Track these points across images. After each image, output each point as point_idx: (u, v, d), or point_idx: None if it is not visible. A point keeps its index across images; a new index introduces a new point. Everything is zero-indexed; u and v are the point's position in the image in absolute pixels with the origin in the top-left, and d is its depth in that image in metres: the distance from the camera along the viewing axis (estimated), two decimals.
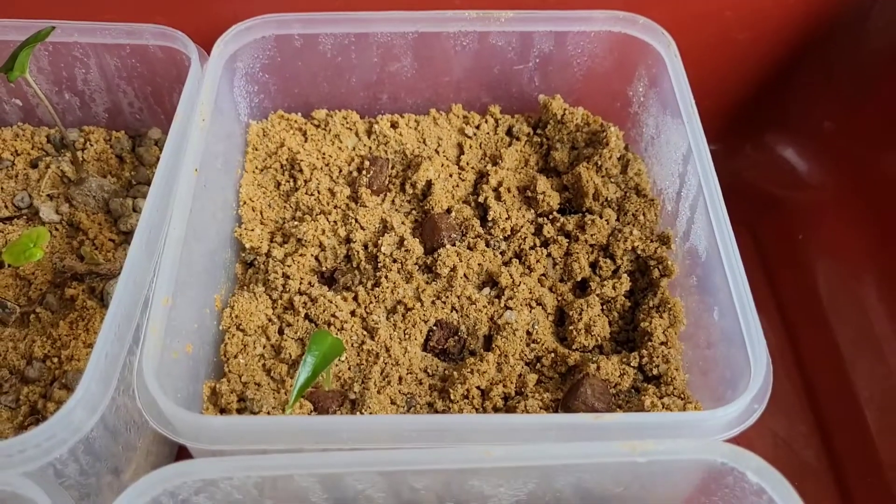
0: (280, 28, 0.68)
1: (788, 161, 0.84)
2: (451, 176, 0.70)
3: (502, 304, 0.61)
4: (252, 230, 0.66)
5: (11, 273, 0.64)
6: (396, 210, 0.68)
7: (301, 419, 0.51)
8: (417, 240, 0.64)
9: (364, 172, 0.68)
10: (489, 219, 0.66)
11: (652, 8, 0.69)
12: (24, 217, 0.69)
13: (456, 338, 0.60)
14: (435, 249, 0.64)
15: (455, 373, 0.58)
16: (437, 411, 0.56)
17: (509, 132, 0.74)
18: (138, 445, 0.57)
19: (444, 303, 0.61)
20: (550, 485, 0.48)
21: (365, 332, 0.60)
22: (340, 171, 0.70)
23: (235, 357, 0.58)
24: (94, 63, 0.72)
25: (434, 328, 0.60)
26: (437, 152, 0.71)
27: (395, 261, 0.63)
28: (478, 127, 0.74)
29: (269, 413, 0.54)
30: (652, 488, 0.50)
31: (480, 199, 0.68)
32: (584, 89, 0.74)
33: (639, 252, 0.63)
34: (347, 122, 0.74)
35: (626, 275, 0.63)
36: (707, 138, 0.61)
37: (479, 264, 0.63)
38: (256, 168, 0.70)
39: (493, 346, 0.59)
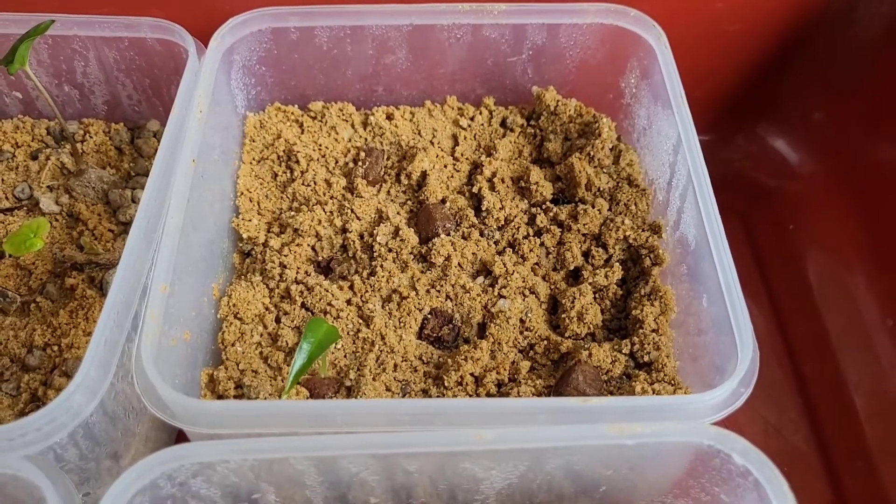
0: (276, 21, 0.69)
1: (779, 151, 0.85)
2: (445, 167, 0.71)
3: (496, 293, 0.62)
4: (249, 220, 0.67)
5: (12, 263, 0.65)
6: (392, 200, 0.69)
7: (297, 403, 0.52)
8: (412, 230, 0.65)
9: (360, 163, 0.69)
10: (483, 209, 0.67)
11: (643, 0, 0.69)
12: (25, 208, 0.70)
13: (450, 326, 0.61)
14: (430, 239, 0.64)
15: (449, 360, 0.59)
16: (431, 398, 0.57)
17: (503, 123, 0.75)
18: (137, 431, 0.58)
19: (439, 291, 0.62)
20: (541, 467, 0.48)
21: (360, 321, 0.61)
22: (336, 162, 0.71)
23: (233, 345, 0.59)
24: (93, 56, 0.72)
25: (429, 316, 0.61)
26: (431, 143, 0.72)
27: (390, 250, 0.64)
28: (472, 118, 0.75)
29: (266, 399, 0.55)
30: (641, 471, 0.50)
31: (475, 190, 0.68)
32: (577, 81, 0.75)
33: (630, 241, 0.64)
34: (343, 114, 0.74)
35: (617, 263, 0.63)
36: (698, 129, 0.61)
37: (473, 253, 0.64)
38: (254, 159, 0.71)
39: (487, 333, 0.60)
